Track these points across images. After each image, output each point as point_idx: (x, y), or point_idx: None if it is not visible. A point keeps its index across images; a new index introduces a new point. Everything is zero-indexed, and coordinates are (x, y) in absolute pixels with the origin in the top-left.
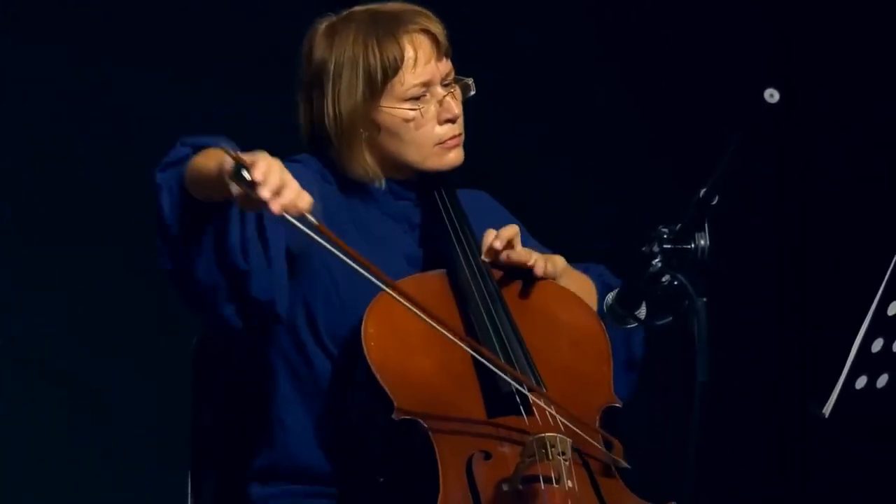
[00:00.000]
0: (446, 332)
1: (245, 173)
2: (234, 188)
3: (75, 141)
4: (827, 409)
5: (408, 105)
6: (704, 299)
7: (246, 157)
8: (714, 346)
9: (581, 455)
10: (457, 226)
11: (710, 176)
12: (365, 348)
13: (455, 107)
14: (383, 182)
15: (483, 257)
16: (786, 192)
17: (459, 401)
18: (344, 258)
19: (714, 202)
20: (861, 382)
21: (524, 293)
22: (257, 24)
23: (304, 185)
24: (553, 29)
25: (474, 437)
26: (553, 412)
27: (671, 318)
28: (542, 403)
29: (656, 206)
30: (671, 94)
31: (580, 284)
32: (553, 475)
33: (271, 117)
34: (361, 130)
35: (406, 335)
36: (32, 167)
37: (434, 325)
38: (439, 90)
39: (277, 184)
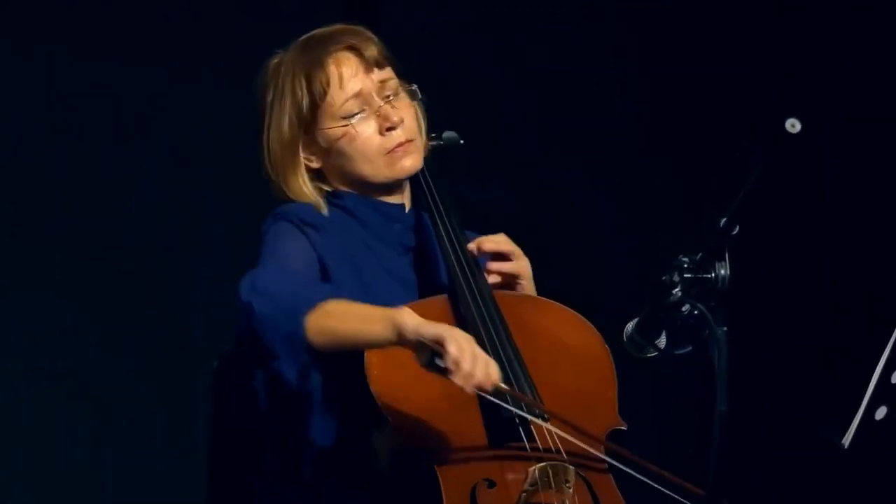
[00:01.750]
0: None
1: (439, 361)
2: (430, 370)
3: (78, 141)
4: (846, 440)
5: (343, 122)
6: (724, 328)
7: (431, 336)
8: (733, 375)
9: (586, 482)
10: (457, 248)
11: (731, 205)
12: (368, 377)
13: (393, 114)
14: (326, 210)
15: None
16: (803, 217)
17: (462, 428)
18: (527, 415)
19: (735, 231)
20: (881, 413)
21: (526, 315)
22: (258, 24)
23: (307, 256)
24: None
25: (477, 465)
26: (556, 437)
27: (691, 348)
28: (545, 426)
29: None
30: (694, 117)
31: None
32: (556, 503)
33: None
34: (301, 159)
35: (408, 364)
36: (41, 169)
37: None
38: (376, 101)
39: (469, 367)
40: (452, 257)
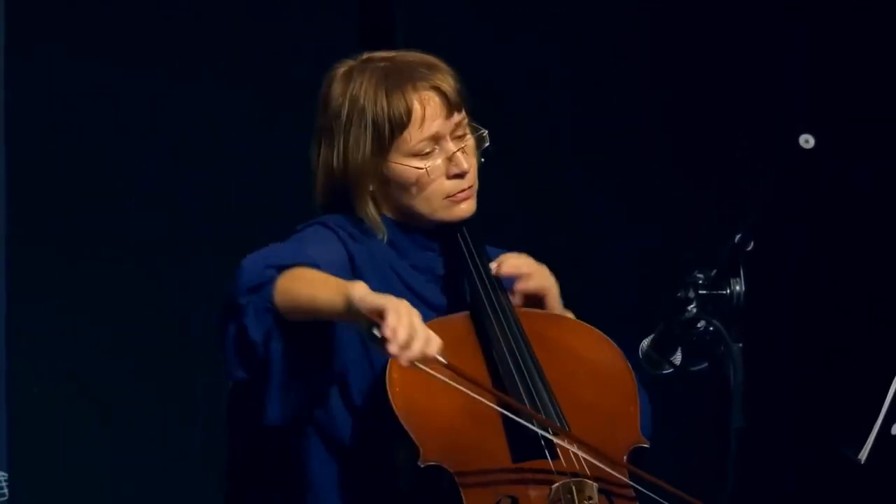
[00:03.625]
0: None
1: (376, 331)
2: (368, 341)
3: (78, 141)
4: (863, 455)
5: (415, 162)
6: (740, 345)
7: (372, 308)
8: (749, 392)
9: (608, 496)
10: (481, 270)
11: (745, 221)
12: (389, 394)
13: (464, 162)
14: (386, 236)
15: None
16: (818, 230)
17: (485, 445)
18: (477, 396)
19: (749, 248)
20: None
21: (549, 333)
22: (258, 24)
23: (332, 254)
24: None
25: (501, 482)
26: (578, 453)
27: (706, 364)
28: (566, 445)
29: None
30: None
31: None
32: None
33: (272, 114)
34: (369, 183)
35: (430, 381)
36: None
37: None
38: (449, 145)
39: (406, 338)
40: (474, 274)
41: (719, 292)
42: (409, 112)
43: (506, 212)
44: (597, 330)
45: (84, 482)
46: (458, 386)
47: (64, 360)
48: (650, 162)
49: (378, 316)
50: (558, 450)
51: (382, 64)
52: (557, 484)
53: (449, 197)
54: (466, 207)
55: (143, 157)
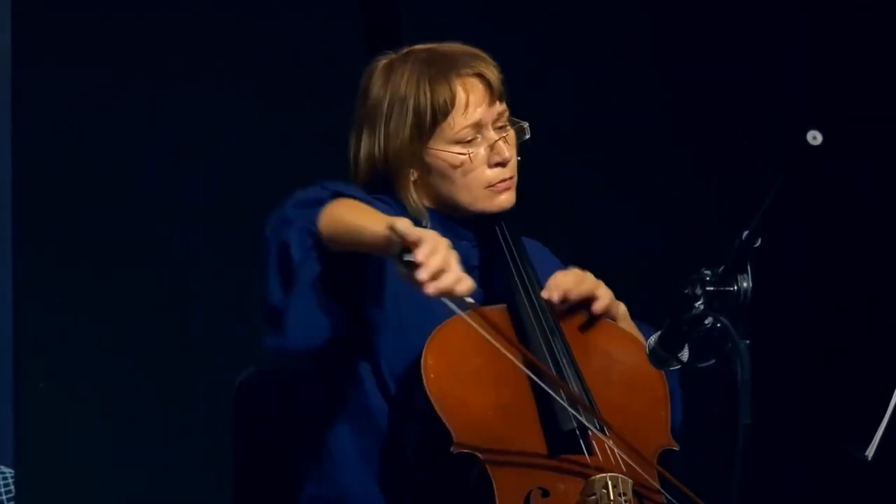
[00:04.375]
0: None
1: (408, 256)
2: (399, 268)
3: (78, 141)
4: (870, 452)
5: (457, 148)
6: (747, 342)
7: (411, 235)
8: (756, 389)
9: (639, 496)
10: (518, 263)
11: (753, 217)
12: (424, 380)
13: (506, 150)
14: (428, 222)
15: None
16: (818, 230)
17: (519, 436)
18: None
19: (757, 244)
20: None
21: (584, 332)
22: (258, 25)
23: None
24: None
25: (533, 473)
26: (615, 451)
27: (714, 361)
28: (603, 440)
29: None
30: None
31: (636, 334)
32: None
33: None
34: (410, 170)
35: (466, 368)
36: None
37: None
38: (491, 133)
39: (438, 267)
40: (512, 269)
41: (726, 289)
42: (453, 98)
43: (507, 212)
44: (630, 333)
45: (89, 479)
46: (498, 345)
47: (69, 359)
48: (650, 162)
49: (416, 244)
50: (594, 444)
51: (424, 54)
52: (594, 477)
53: (490, 186)
54: (506, 198)
55: (143, 158)
